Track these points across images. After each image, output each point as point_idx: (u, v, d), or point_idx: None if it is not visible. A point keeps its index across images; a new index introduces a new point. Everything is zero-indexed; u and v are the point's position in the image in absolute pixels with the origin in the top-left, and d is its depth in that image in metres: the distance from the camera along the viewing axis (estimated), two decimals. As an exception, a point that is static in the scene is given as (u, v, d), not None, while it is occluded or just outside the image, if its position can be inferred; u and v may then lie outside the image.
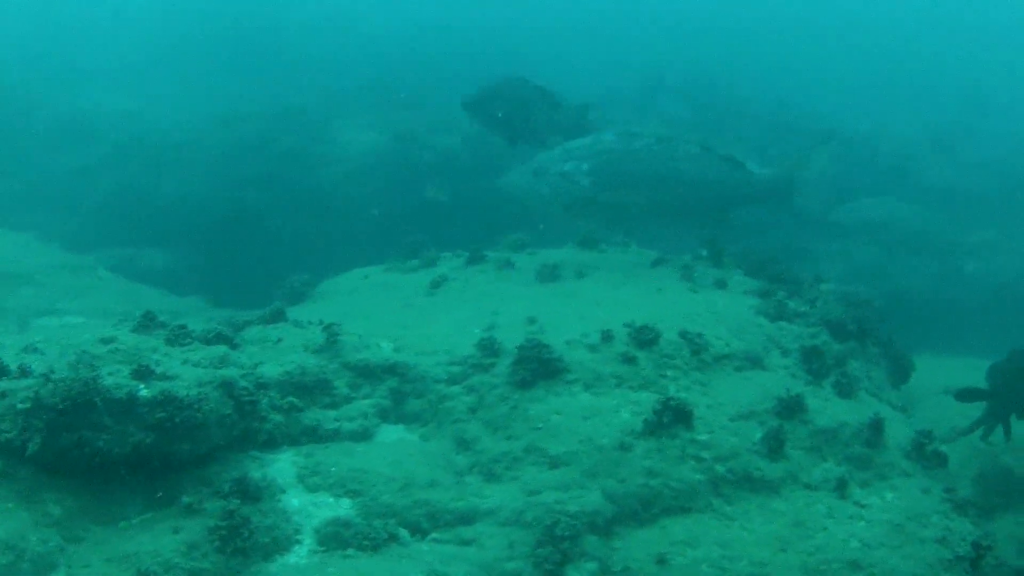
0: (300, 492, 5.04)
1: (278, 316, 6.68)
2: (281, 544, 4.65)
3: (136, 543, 4.40)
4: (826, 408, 6.05)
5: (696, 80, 18.72)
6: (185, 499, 4.67)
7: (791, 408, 5.84)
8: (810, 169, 8.77)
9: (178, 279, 10.97)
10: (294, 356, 5.98)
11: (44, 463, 4.53)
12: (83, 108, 15.46)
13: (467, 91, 10.68)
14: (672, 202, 8.60)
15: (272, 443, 5.40)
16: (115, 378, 4.75)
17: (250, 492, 4.76)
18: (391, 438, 5.74)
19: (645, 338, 6.23)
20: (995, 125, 18.74)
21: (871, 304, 8.50)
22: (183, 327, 5.90)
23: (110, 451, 4.53)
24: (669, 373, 6.09)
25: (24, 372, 4.88)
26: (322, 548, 4.69)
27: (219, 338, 5.93)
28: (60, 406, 4.46)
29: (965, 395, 6.68)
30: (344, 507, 4.96)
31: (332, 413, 5.73)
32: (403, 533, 4.86)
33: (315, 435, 5.56)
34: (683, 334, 6.36)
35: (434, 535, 4.91)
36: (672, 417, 5.48)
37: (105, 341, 5.56)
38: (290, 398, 5.62)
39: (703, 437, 5.50)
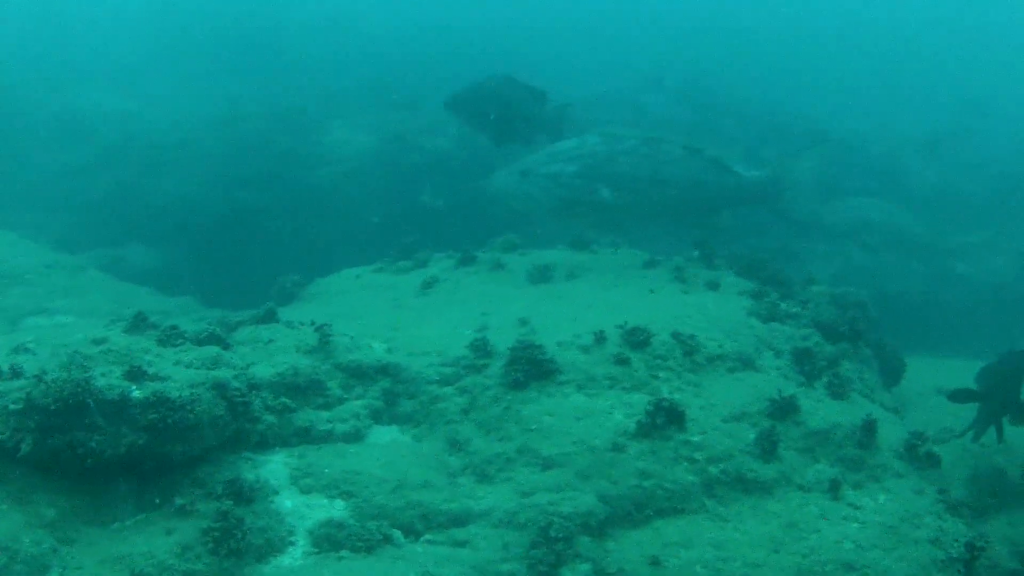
0: (293, 493, 5.03)
1: (270, 317, 6.65)
2: (275, 546, 4.65)
3: (129, 544, 4.39)
4: (819, 409, 6.06)
5: (695, 81, 18.71)
6: (178, 500, 4.66)
7: (784, 409, 5.85)
8: (799, 171, 8.77)
9: (170, 279, 10.93)
10: (286, 357, 5.96)
11: (36, 464, 4.52)
12: (80, 108, 15.38)
13: (451, 90, 10.57)
14: (658, 204, 8.59)
15: (265, 444, 5.38)
16: (107, 379, 4.74)
17: (243, 493, 4.75)
18: (384, 439, 5.73)
19: (637, 339, 6.23)
20: (994, 126, 18.75)
21: (863, 305, 8.51)
22: (175, 328, 5.88)
23: (103, 452, 4.52)
24: (662, 374, 6.09)
25: (16, 373, 4.86)
26: (316, 550, 4.69)
27: (211, 339, 5.90)
28: (52, 407, 4.45)
29: (958, 396, 6.68)
30: (338, 508, 4.96)
31: (325, 414, 5.72)
32: (397, 534, 4.86)
33: (308, 436, 5.54)
34: (675, 335, 6.36)
35: (428, 536, 4.91)
36: (665, 418, 5.49)
37: (97, 342, 5.55)
38: (283, 399, 5.61)
39: (696, 438, 5.51)
